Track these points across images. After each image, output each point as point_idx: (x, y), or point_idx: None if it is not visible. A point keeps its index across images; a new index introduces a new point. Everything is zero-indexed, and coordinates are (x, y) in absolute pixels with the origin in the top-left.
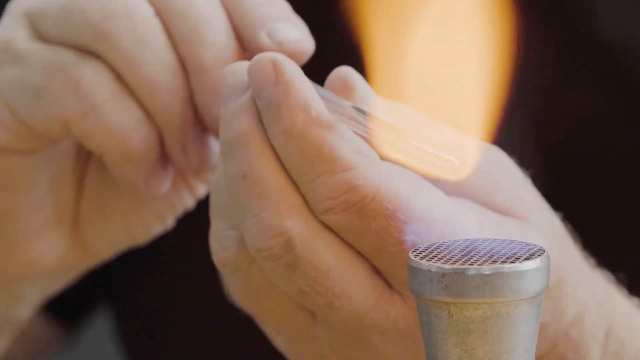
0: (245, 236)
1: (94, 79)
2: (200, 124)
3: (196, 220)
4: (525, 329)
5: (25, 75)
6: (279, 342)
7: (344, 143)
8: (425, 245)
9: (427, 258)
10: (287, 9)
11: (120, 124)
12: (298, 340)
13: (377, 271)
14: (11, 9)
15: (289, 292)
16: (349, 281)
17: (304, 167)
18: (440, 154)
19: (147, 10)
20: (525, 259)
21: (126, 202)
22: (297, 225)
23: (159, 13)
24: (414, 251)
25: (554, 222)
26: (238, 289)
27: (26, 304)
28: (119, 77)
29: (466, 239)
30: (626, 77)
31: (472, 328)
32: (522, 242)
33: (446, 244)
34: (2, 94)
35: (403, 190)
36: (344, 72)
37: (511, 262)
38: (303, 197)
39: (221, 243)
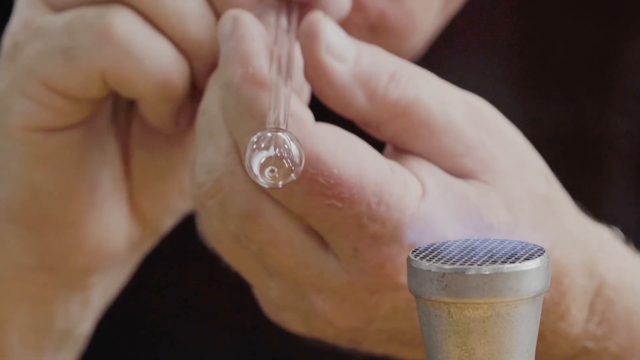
0: (195, 171)
1: (124, 24)
2: None
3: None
4: (525, 329)
5: (50, 42)
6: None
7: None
8: (425, 246)
9: (427, 258)
10: None
11: (157, 64)
12: (257, 287)
13: (312, 229)
14: None
15: (226, 236)
16: (277, 232)
17: (236, 121)
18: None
19: None
20: (525, 259)
21: (174, 161)
22: (230, 165)
23: None
24: (414, 251)
25: (533, 186)
26: (204, 227)
27: (92, 312)
28: (144, 17)
29: (466, 239)
30: None
31: (472, 328)
32: (522, 242)
33: (446, 244)
34: (31, 71)
35: (326, 155)
36: (311, 18)
37: (511, 262)
38: None
39: (189, 179)
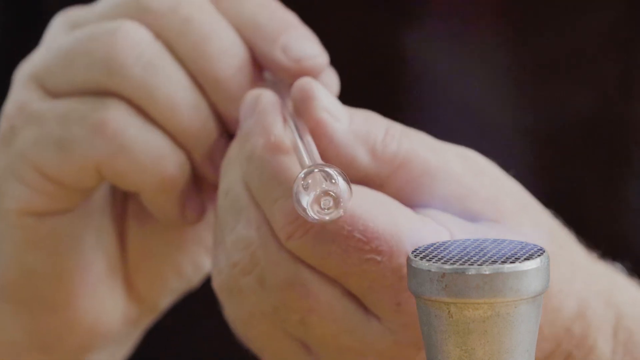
0: (226, 252)
1: (118, 118)
2: (228, 135)
3: None
4: (525, 329)
5: (45, 131)
6: None
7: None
8: (425, 246)
9: (427, 258)
10: (297, 21)
11: (151, 157)
12: None
13: (350, 293)
14: (17, 77)
15: (266, 312)
16: (317, 298)
17: (263, 191)
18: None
19: (148, 35)
20: (525, 259)
21: (171, 242)
22: (263, 237)
23: (158, 36)
24: (414, 251)
25: (538, 222)
26: (233, 314)
27: None
28: (139, 110)
29: (465, 239)
30: None
31: (472, 328)
32: (522, 242)
33: (446, 244)
34: (25, 156)
35: (360, 211)
36: (303, 82)
37: (511, 262)
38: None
39: (217, 265)
